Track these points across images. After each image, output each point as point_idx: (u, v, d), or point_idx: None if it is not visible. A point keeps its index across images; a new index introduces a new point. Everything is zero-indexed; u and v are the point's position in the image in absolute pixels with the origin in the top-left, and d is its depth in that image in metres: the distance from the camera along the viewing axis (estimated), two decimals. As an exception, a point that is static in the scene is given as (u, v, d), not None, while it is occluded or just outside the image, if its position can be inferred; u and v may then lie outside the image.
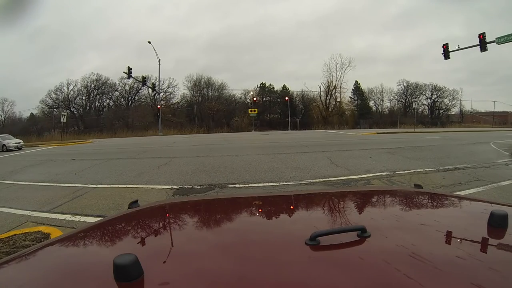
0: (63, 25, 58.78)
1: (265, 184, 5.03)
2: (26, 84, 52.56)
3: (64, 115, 25.81)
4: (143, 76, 32.45)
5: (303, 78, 77.77)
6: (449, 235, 0.63)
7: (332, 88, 43.05)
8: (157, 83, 34.48)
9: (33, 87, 55.75)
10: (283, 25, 62.69)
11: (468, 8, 57.33)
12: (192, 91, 42.71)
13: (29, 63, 55.33)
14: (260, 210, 1.00)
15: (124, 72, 26.71)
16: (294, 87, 57.75)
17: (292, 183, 5.05)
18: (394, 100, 45.93)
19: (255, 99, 41.25)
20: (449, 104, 45.32)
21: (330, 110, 43.62)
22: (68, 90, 40.33)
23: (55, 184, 5.72)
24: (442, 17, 62.71)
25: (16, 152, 16.33)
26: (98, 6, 58.49)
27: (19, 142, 18.85)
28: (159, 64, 33.23)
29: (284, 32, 62.21)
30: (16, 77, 52.98)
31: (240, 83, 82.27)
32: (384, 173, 5.66)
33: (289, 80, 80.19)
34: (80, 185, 5.47)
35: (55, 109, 38.95)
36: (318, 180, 5.21)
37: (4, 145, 17.91)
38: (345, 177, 5.40)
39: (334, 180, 5.24)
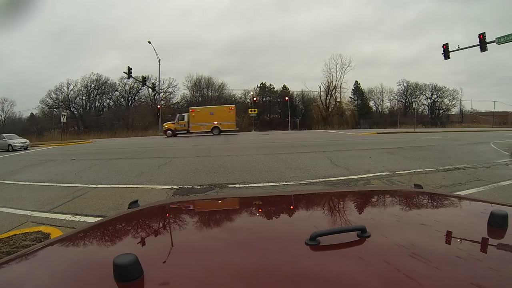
0: (87, 27, 60.06)
1: (265, 184, 5.03)
2: (37, 83, 53.35)
3: (64, 115, 25.81)
4: (143, 76, 32.48)
5: (309, 80, 78.95)
6: (449, 235, 0.62)
7: (332, 88, 43.14)
8: (157, 83, 34.48)
9: (43, 86, 56.95)
10: (299, 31, 63.44)
11: (467, 15, 58.20)
12: (192, 91, 42.81)
13: (42, 63, 56.10)
14: (260, 210, 1.00)
15: (124, 72, 26.71)
16: (294, 87, 58.31)
17: (292, 183, 5.04)
18: (394, 100, 46.10)
19: (255, 99, 41.27)
20: (449, 104, 45.48)
21: (330, 110, 43.61)
22: (68, 90, 40.49)
23: (55, 184, 5.72)
24: (443, 25, 63.86)
25: (21, 151, 16.36)
26: (124, 9, 59.50)
27: (25, 142, 18.79)
28: (159, 64, 33.14)
29: (299, 38, 62.93)
30: (28, 77, 53.69)
31: (248, 84, 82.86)
32: (384, 173, 5.66)
33: (296, 81, 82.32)
34: (80, 185, 5.47)
35: (55, 109, 39.01)
36: (318, 180, 5.21)
37: (10, 144, 17.87)
38: (345, 177, 5.39)
39: (334, 180, 5.24)
